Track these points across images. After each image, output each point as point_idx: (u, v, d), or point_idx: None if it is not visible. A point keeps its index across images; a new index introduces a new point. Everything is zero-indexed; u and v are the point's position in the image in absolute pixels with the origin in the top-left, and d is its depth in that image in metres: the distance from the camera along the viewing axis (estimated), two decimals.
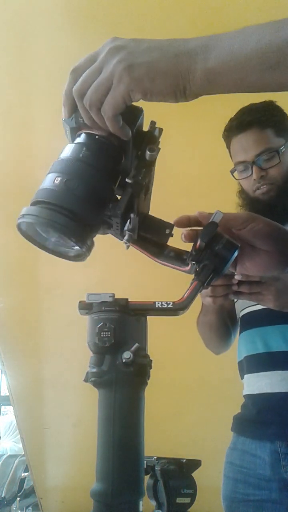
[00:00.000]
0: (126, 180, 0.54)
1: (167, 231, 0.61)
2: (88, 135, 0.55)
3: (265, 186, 1.24)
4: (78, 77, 0.52)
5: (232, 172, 1.30)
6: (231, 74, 0.49)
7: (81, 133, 0.56)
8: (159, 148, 0.56)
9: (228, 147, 1.31)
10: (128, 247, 0.61)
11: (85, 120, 0.54)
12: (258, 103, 1.26)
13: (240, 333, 1.30)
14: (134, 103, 0.54)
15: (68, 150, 0.54)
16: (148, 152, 0.54)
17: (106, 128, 0.53)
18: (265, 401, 1.18)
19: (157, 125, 0.57)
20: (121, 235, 0.59)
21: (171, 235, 0.61)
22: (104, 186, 0.53)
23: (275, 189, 1.24)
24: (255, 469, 1.15)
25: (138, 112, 0.55)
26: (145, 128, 0.57)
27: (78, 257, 0.55)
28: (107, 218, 0.56)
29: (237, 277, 1.00)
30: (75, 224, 0.50)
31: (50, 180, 0.52)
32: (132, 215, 0.56)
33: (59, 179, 0.51)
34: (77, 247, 0.53)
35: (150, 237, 0.61)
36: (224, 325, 1.31)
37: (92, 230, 0.53)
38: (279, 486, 1.11)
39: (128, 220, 0.56)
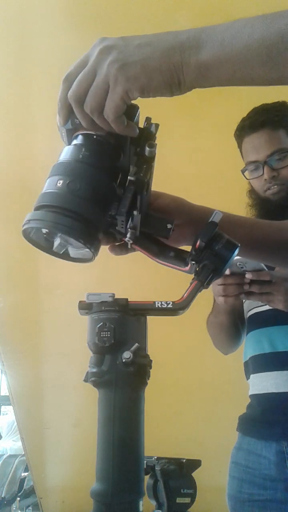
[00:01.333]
0: (129, 177, 0.54)
1: (169, 226, 0.61)
2: (86, 136, 0.55)
3: (276, 186, 1.24)
4: (71, 84, 0.52)
5: (243, 171, 1.30)
6: (223, 67, 0.49)
7: (78, 135, 0.56)
8: (156, 144, 0.57)
9: (240, 146, 1.31)
10: (130, 245, 0.61)
11: (84, 125, 0.54)
12: (270, 103, 1.27)
13: (246, 333, 1.31)
14: None
15: (67, 152, 0.54)
16: (147, 148, 0.54)
17: (110, 129, 0.53)
18: (271, 401, 1.18)
19: (156, 126, 0.57)
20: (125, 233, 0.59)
21: (173, 229, 0.61)
22: (106, 185, 0.53)
23: (286, 189, 1.24)
24: (260, 469, 1.15)
25: (134, 109, 0.55)
26: (141, 124, 0.58)
27: (87, 259, 0.55)
28: (111, 216, 0.56)
29: (248, 276, 1.01)
30: (81, 225, 0.50)
31: (52, 183, 0.52)
32: (135, 213, 0.56)
33: (61, 181, 0.51)
34: (85, 249, 0.53)
35: (152, 232, 0.62)
36: (234, 326, 1.32)
37: (98, 230, 0.53)
38: (284, 486, 1.11)
39: (130, 218, 0.56)
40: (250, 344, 1.28)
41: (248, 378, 1.30)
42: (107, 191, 0.53)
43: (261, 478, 1.15)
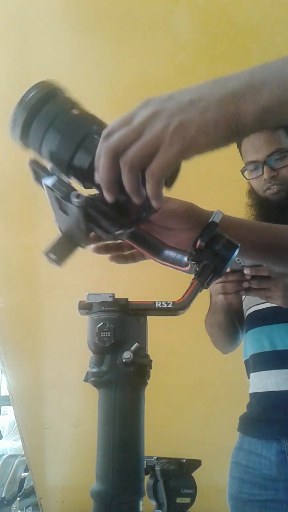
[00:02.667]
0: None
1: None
2: None
3: (275, 186, 1.24)
4: None
5: (242, 171, 1.30)
6: (285, 107, 0.47)
7: None
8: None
9: (239, 146, 1.31)
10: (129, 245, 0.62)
11: (103, 178, 0.49)
12: None
13: (246, 331, 1.31)
14: None
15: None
16: (74, 199, 0.50)
17: (132, 190, 0.49)
18: (271, 399, 1.18)
19: None
20: None
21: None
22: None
23: (285, 189, 1.24)
24: (260, 469, 1.16)
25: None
26: None
27: None
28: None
29: (247, 271, 1.01)
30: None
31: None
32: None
33: (75, 111, 0.53)
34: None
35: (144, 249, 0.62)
36: (232, 324, 1.32)
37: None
38: (285, 486, 1.11)
39: None
40: (250, 342, 1.28)
41: (248, 376, 1.30)
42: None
43: (262, 478, 1.15)
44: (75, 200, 0.50)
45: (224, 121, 0.47)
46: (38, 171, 0.54)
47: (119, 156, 0.48)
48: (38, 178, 0.55)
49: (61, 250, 0.56)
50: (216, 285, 1.07)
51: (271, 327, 1.22)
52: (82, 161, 0.52)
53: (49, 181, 0.52)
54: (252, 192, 1.32)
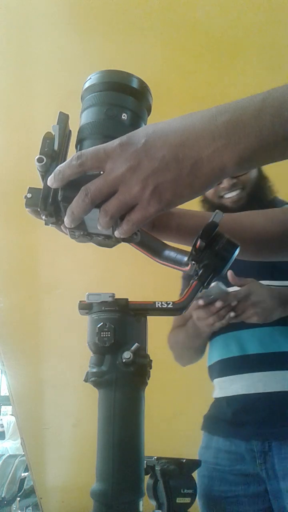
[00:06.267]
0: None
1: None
2: None
3: (235, 192, 1.24)
4: (82, 170, 0.49)
5: None
6: (267, 155, 0.48)
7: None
8: None
9: None
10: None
11: (75, 215, 0.50)
12: None
13: (211, 338, 1.31)
14: None
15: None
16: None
17: (104, 229, 0.51)
18: (241, 402, 1.19)
19: None
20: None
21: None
22: None
23: (245, 196, 1.24)
24: (230, 465, 1.17)
25: None
26: None
27: None
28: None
29: (218, 305, 1.07)
30: None
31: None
32: None
33: None
34: None
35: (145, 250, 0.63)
36: (204, 344, 1.33)
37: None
38: (256, 480, 1.12)
39: None
40: (217, 348, 1.28)
41: (212, 381, 1.32)
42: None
43: (232, 474, 1.16)
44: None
45: (199, 183, 0.48)
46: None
47: (95, 203, 0.49)
48: None
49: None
50: (200, 322, 1.12)
51: (239, 332, 1.22)
52: None
53: None
54: (205, 201, 1.31)
